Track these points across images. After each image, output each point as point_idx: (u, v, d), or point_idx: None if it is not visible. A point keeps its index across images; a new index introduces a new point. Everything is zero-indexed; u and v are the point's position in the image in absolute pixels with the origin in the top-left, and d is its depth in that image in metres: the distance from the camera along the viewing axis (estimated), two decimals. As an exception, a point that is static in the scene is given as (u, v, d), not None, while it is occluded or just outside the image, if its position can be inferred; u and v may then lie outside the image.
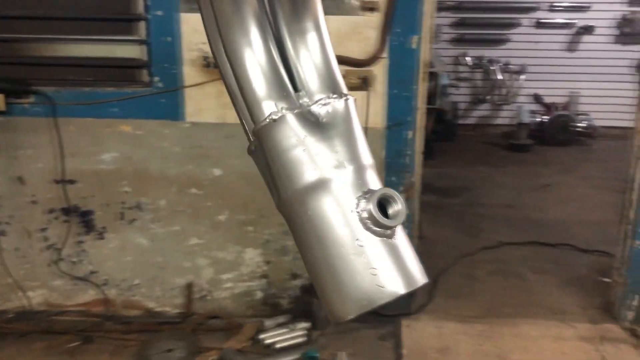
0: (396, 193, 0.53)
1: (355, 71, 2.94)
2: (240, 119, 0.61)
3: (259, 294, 3.40)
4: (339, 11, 2.89)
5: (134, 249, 3.32)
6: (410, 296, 3.40)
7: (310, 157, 0.53)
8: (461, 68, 7.31)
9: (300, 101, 0.56)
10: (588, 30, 6.94)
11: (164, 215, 3.29)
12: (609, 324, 3.34)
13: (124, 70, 3.16)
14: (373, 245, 0.52)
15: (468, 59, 7.22)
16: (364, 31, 2.93)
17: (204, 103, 3.08)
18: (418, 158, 3.12)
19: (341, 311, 0.52)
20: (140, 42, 3.05)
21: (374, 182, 0.56)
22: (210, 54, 2.91)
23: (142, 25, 3.02)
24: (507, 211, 5.20)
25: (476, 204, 5.34)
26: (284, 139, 0.53)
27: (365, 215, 0.52)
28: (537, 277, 3.95)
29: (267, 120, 0.54)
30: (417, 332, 3.27)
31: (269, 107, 0.55)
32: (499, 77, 7.18)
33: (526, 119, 7.04)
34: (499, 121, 7.62)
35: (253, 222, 3.29)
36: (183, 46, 3.00)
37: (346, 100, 0.56)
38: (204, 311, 3.39)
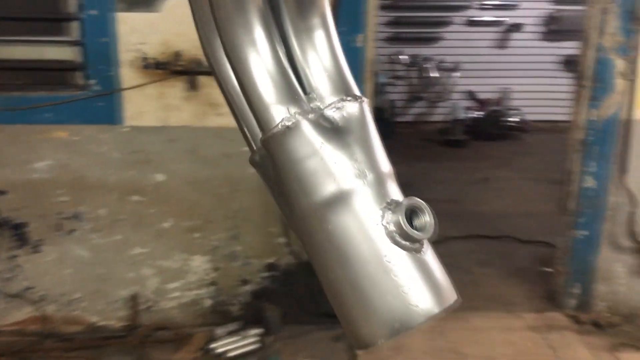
0: (423, 202, 0.49)
1: (302, 70, 2.89)
2: (241, 127, 0.54)
3: (208, 302, 3.29)
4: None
5: (73, 261, 3.15)
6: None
7: (328, 167, 0.47)
8: (397, 66, 7.40)
9: (312, 105, 0.50)
10: (517, 27, 7.18)
11: (105, 225, 3.13)
12: (553, 312, 3.45)
13: (56, 73, 2.98)
14: (402, 261, 0.47)
15: (404, 57, 7.32)
16: (309, 30, 2.88)
17: (144, 106, 2.95)
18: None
19: (370, 336, 0.47)
20: (74, 43, 2.88)
21: (395, 191, 0.51)
22: (149, 54, 2.80)
23: (75, 25, 2.86)
24: (448, 206, 5.28)
25: (418, 200, 5.39)
26: (298, 148, 0.48)
27: (392, 228, 0.47)
28: (483, 269, 4.03)
29: (279, 127, 0.48)
30: (370, 331, 3.25)
31: (279, 112, 0.49)
32: (434, 74, 7.31)
33: (461, 115, 7.20)
34: (435, 118, 7.76)
35: (199, 228, 3.18)
36: (120, 47, 2.86)
37: (361, 102, 0.51)
38: (151, 323, 3.25)
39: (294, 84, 0.50)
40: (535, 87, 7.40)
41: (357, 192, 0.48)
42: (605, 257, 3.29)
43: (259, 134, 0.52)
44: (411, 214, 0.47)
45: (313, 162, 0.47)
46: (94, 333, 3.20)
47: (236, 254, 3.23)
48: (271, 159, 0.49)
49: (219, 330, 3.17)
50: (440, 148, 7.27)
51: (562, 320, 3.38)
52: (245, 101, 0.53)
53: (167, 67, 2.89)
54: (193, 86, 2.92)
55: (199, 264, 3.23)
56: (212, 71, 0.56)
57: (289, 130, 0.47)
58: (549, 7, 7.22)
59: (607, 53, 2.96)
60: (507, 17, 7.33)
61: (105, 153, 3.02)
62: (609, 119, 3.06)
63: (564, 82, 7.34)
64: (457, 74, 7.37)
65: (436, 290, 0.48)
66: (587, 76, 3.05)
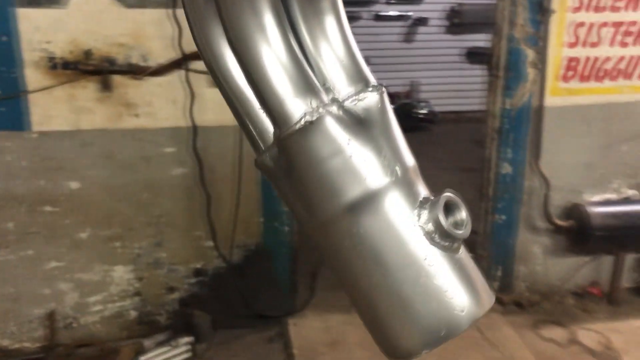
0: (458, 197, 0.45)
1: (223, 67, 2.80)
2: (248, 128, 0.48)
3: (133, 314, 3.13)
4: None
5: (-21, 281, 2.88)
6: (294, 293, 3.36)
7: (357, 165, 0.42)
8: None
9: (332, 97, 0.45)
10: (422, 22, 7.40)
11: (13, 240, 2.89)
12: (477, 296, 3.57)
13: (-51, 77, 2.70)
14: (443, 262, 0.43)
15: (314, 52, 7.34)
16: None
17: (53, 109, 2.74)
18: (292, 153, 3.06)
19: (413, 346, 0.43)
20: (-32, 42, 2.63)
21: (424, 187, 0.47)
22: (56, 54, 2.60)
23: (-32, 23, 2.61)
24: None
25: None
26: (323, 145, 0.42)
27: (431, 228, 0.43)
28: (407, 259, 4.09)
29: (302, 122, 0.42)
30: (304, 329, 3.22)
31: (298, 107, 0.43)
32: (345, 69, 7.38)
33: (373, 108, 7.32)
34: (348, 112, 7.84)
35: (120, 237, 3.01)
36: (23, 46, 2.64)
37: (381, 92, 0.47)
38: (71, 340, 3.04)
39: (310, 76, 0.45)
40: (442, 80, 7.67)
41: (389, 191, 0.43)
42: (523, 239, 3.45)
43: (270, 133, 0.46)
44: (447, 211, 0.43)
45: (339, 160, 0.42)
46: (7, 358, 2.95)
47: (161, 262, 3.08)
48: (287, 160, 0.43)
49: (147, 342, 3.02)
50: (354, 142, 7.36)
51: (487, 303, 3.51)
52: (252, 97, 0.47)
53: (77, 67, 2.70)
54: (106, 86, 2.75)
55: (121, 274, 3.06)
56: (207, 66, 0.49)
57: (312, 125, 0.42)
58: (452, 2, 7.49)
59: (518, 44, 3.08)
60: (413, 11, 7.53)
61: (11, 162, 2.78)
62: (522, 107, 3.19)
63: (468, 74, 7.67)
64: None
65: (477, 291, 0.45)
66: (500, 66, 3.17)
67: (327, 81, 0.46)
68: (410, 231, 0.43)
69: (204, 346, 3.08)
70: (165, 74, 2.78)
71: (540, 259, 3.50)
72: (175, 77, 2.79)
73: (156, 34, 2.72)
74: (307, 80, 0.44)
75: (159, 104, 2.83)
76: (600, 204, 3.32)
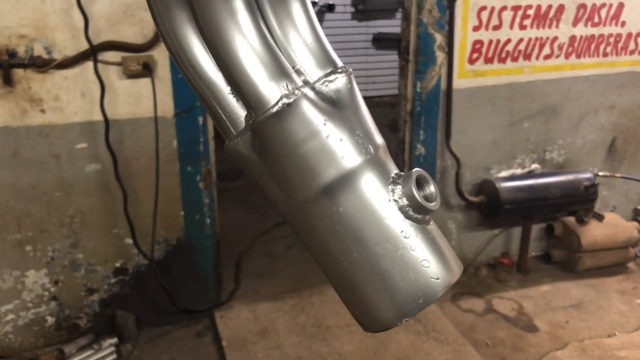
0: (426, 173, 0.47)
1: (135, 57, 2.70)
2: (217, 114, 0.47)
3: (51, 320, 2.98)
4: (109, -8, 2.61)
5: None
6: (219, 285, 3.33)
7: (334, 146, 0.43)
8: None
9: (304, 79, 0.46)
10: (330, 8, 7.45)
11: None
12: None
13: None
14: (417, 235, 0.45)
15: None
16: (137, 13, 2.69)
17: (-52, 107, 2.54)
18: (212, 144, 3.02)
19: (394, 315, 0.44)
20: None
21: (393, 164, 0.49)
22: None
23: None
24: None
25: (257, 184, 5.41)
26: (299, 128, 0.43)
27: (405, 202, 0.45)
28: (329, 243, 4.16)
29: (279, 105, 0.43)
30: (232, 320, 3.21)
31: (273, 91, 0.43)
32: (255, 57, 7.32)
33: (285, 96, 7.32)
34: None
35: (32, 240, 2.85)
36: None
37: (349, 74, 0.48)
38: (-17, 354, 2.86)
39: (282, 60, 0.45)
40: (351, 65, 7.74)
41: (364, 170, 0.45)
42: (439, 216, 3.58)
43: (242, 118, 0.46)
44: (418, 185, 0.46)
45: (316, 141, 0.43)
46: None
47: (78, 263, 2.95)
48: (262, 143, 0.44)
49: (68, 348, 2.89)
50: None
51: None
52: (221, 83, 0.46)
53: (-27, 61, 2.51)
54: (7, 81, 2.58)
55: (35, 279, 2.90)
56: (171, 53, 0.48)
57: (289, 108, 0.42)
58: (356, -12, 7.59)
59: (427, 28, 3.19)
60: (319, -2, 7.58)
61: None
62: (433, 89, 3.31)
63: (375, 60, 7.84)
64: (277, 55, 7.46)
65: (448, 261, 0.47)
66: (410, 50, 3.27)
67: (297, 65, 0.47)
68: (386, 207, 0.45)
69: (129, 346, 3.00)
70: (73, 66, 2.64)
71: (455, 234, 3.67)
72: (83, 70, 2.66)
73: (61, 25, 2.58)
74: (280, 64, 0.45)
75: (67, 98, 2.69)
76: (507, 179, 3.52)
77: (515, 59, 3.42)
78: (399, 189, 0.45)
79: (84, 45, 2.61)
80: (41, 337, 2.97)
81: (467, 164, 3.51)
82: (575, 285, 3.60)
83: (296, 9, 0.48)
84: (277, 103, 0.43)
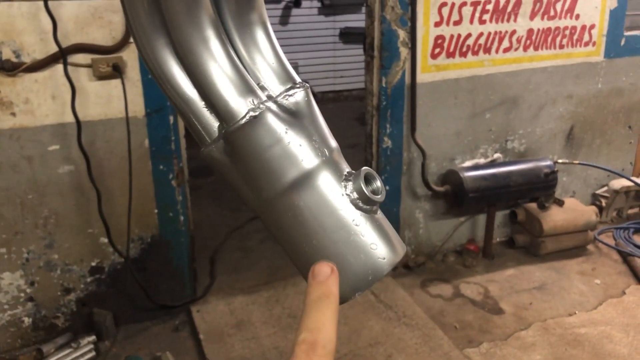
0: (373, 171, 0.56)
1: (104, 59, 2.74)
2: (193, 125, 0.56)
3: (27, 320, 3.01)
4: (76, -5, 2.65)
5: None
6: (194, 281, 3.39)
7: (294, 150, 0.52)
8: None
9: (267, 94, 0.55)
10: (296, 4, 7.50)
11: None
12: (370, 263, 3.80)
13: None
14: (366, 223, 0.54)
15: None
16: (105, 15, 2.73)
17: None
18: (183, 142, 3.07)
19: (348, 291, 0.53)
20: None
21: (345, 164, 0.58)
22: None
23: None
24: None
25: (229, 180, 5.47)
26: (265, 137, 0.51)
27: (355, 196, 0.54)
28: (302, 236, 4.25)
29: (247, 118, 0.51)
30: (209, 314, 3.28)
31: (241, 106, 0.52)
32: (223, 54, 7.34)
33: (254, 91, 7.36)
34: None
35: (6, 242, 2.88)
36: None
37: (306, 89, 0.57)
38: (-39, 357, 2.88)
39: (249, 79, 0.54)
40: (318, 60, 7.86)
41: (321, 169, 0.53)
42: (406, 206, 3.71)
43: (214, 129, 0.55)
44: (366, 181, 0.55)
45: (279, 147, 0.52)
46: None
47: (53, 263, 2.99)
48: (234, 150, 0.52)
49: (47, 347, 2.93)
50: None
51: (379, 269, 3.75)
52: (196, 98, 0.55)
53: (-59, 66, 2.52)
54: (-23, 85, 2.60)
55: (10, 281, 2.93)
56: (152, 72, 0.56)
57: (256, 120, 0.51)
58: (322, -17, 7.67)
59: (391, 25, 3.29)
60: (285, -6, 7.63)
61: None
62: (397, 84, 3.42)
63: (343, 54, 7.93)
64: (245, 51, 7.49)
65: (393, 243, 0.56)
66: (375, 46, 3.37)
67: (262, 82, 0.56)
68: (339, 200, 0.54)
69: (107, 343, 3.05)
70: (43, 69, 2.67)
71: (422, 223, 3.79)
72: (54, 72, 2.69)
73: (29, 28, 2.60)
74: (247, 83, 0.53)
75: (38, 101, 2.72)
76: (471, 168, 3.65)
77: (476, 53, 3.55)
78: (350, 185, 0.54)
79: (53, 48, 2.64)
80: (18, 337, 3.00)
81: (433, 155, 3.63)
82: (538, 269, 3.76)
83: (260, 35, 0.57)
84: (245, 116, 0.51)
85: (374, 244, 0.54)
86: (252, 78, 0.55)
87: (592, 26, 3.83)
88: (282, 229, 0.55)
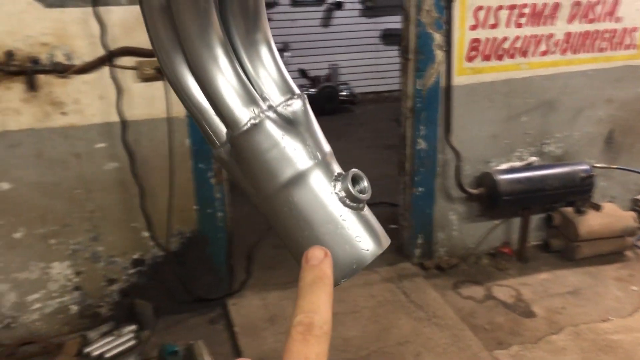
0: (361, 172, 0.64)
1: (149, 62, 2.89)
2: (205, 130, 0.65)
3: (74, 308, 3.19)
4: (124, 1, 2.79)
5: None
6: (231, 275, 3.51)
7: (289, 154, 0.60)
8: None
9: (268, 105, 0.63)
10: (338, 6, 7.59)
11: (-55, 245, 2.88)
12: (403, 263, 3.86)
13: None
14: (352, 218, 0.62)
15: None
16: (150, 21, 2.87)
17: (-22, 112, 2.75)
18: (222, 142, 3.19)
19: (335, 278, 0.61)
20: None
21: (337, 166, 0.65)
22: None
23: None
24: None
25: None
26: (263, 141, 0.59)
27: (343, 194, 0.61)
28: (337, 235, 4.33)
29: (248, 125, 0.60)
30: (244, 308, 3.39)
31: (244, 114, 0.60)
32: (266, 55, 7.48)
33: (296, 93, 7.47)
34: (271, 97, 7.96)
35: (56, 234, 3.05)
36: (-59, 50, 2.62)
37: (303, 99, 0.65)
38: (12, 340, 3.07)
39: (252, 91, 0.62)
40: (359, 62, 7.93)
41: (313, 170, 0.61)
42: (440, 208, 3.75)
43: (223, 134, 0.64)
44: (353, 182, 0.62)
45: (276, 150, 0.60)
46: (-53, 363, 2.95)
47: (98, 255, 3.16)
48: (238, 153, 0.61)
49: (91, 334, 3.10)
50: (279, 126, 7.51)
51: (411, 269, 3.80)
52: (208, 107, 0.64)
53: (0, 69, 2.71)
54: (31, 86, 2.77)
55: (59, 270, 3.11)
56: (171, 84, 0.65)
57: (256, 127, 0.59)
58: (365, -14, 7.75)
59: (426, 28, 3.34)
60: (328, -4, 7.73)
61: (-64, 167, 2.77)
62: (432, 87, 3.46)
63: (384, 55, 7.97)
64: (288, 53, 7.62)
65: (377, 236, 0.63)
66: (410, 49, 3.42)
67: (264, 94, 0.64)
68: (328, 197, 0.61)
69: (147, 333, 3.19)
70: (91, 71, 2.83)
71: (456, 225, 3.81)
72: (101, 74, 2.85)
73: (80, 33, 2.77)
74: (250, 94, 0.62)
75: (87, 101, 2.89)
76: (506, 171, 3.66)
77: (512, 56, 3.56)
78: (339, 184, 0.62)
79: (101, 52, 2.80)
80: (65, 324, 3.18)
81: (467, 157, 3.65)
82: (572, 273, 3.73)
83: (264, 52, 0.65)
84: (246, 123, 0.60)
85: (359, 237, 0.62)
86: (256, 90, 0.63)
87: (634, 29, 3.78)
88: (279, 222, 0.63)
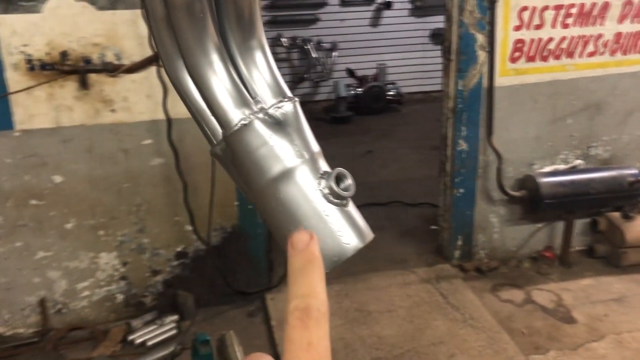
0: (346, 171, 0.68)
1: (193, 62, 2.99)
2: (203, 129, 0.70)
3: (120, 297, 3.34)
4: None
5: (-28, 274, 3.07)
6: (270, 270, 3.59)
7: (276, 152, 0.65)
8: (278, 49, 7.56)
9: (259, 107, 0.68)
10: (387, 5, 7.58)
11: (3, 233, 3.07)
12: (442, 264, 3.85)
13: None
14: (335, 214, 0.66)
15: (284, 40, 7.49)
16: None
17: (35, 108, 2.92)
18: (262, 140, 3.27)
19: None
20: (-51, 49, 2.78)
21: (325, 164, 0.69)
22: (34, 56, 2.77)
23: (-52, 30, 2.76)
24: (340, 179, 5.59)
25: (312, 177, 5.67)
26: (253, 140, 0.64)
27: (327, 191, 0.65)
28: (377, 233, 4.24)
29: (239, 125, 0.65)
30: (281, 302, 3.46)
31: (236, 115, 0.65)
32: (314, 55, 7.57)
33: (343, 92, 7.52)
34: (319, 97, 8.04)
35: (104, 226, 3.21)
36: (2, 50, 2.79)
37: (294, 102, 0.69)
38: (63, 325, 3.25)
39: (244, 93, 0.67)
40: (407, 61, 7.90)
41: (299, 168, 0.65)
42: (481, 210, 3.72)
43: (219, 132, 0.69)
44: (338, 180, 0.66)
45: (264, 149, 0.65)
46: (3, 344, 3.14)
47: (144, 247, 3.29)
48: (231, 151, 0.66)
49: (135, 322, 3.24)
50: (326, 126, 7.57)
51: (450, 270, 3.79)
52: (205, 108, 0.69)
53: (54, 68, 2.87)
54: (83, 85, 2.93)
55: (107, 260, 3.26)
56: (174, 86, 0.71)
57: (246, 127, 0.64)
58: (414, -15, 7.70)
59: (468, 29, 3.32)
60: (377, -4, 7.73)
61: (-4, 160, 2.95)
62: (474, 87, 3.44)
63: (432, 55, 7.90)
64: (336, 53, 7.67)
65: (360, 231, 0.67)
66: (452, 50, 3.41)
67: (258, 96, 0.69)
68: (313, 194, 0.66)
69: (188, 323, 3.30)
70: (139, 70, 2.96)
71: (497, 227, 3.77)
72: (148, 74, 2.97)
73: (129, 34, 2.90)
74: (243, 97, 0.67)
75: (135, 99, 3.02)
76: (549, 174, 3.59)
77: (557, 57, 3.49)
78: (323, 182, 0.66)
79: (149, 52, 2.92)
80: (112, 312, 3.33)
81: (510, 159, 3.61)
82: (618, 280, 3.63)
83: (259, 57, 0.70)
84: (237, 124, 0.65)
85: (341, 231, 0.66)
86: (250, 92, 0.68)
87: (690, 29, 3.64)
88: (268, 215, 0.68)
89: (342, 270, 3.78)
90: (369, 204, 4.87)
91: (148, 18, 0.70)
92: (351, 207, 0.70)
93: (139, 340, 3.12)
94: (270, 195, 0.67)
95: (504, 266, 3.81)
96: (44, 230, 3.12)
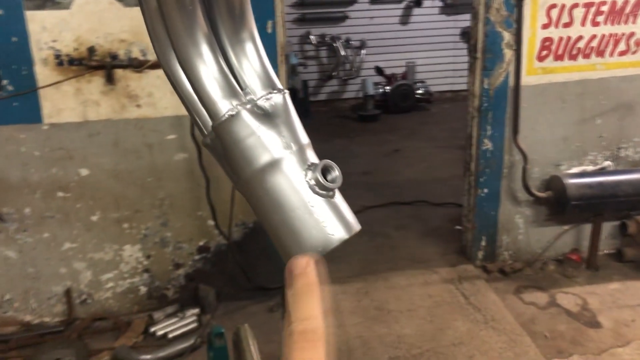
0: (333, 163, 0.68)
1: (217, 59, 3.02)
2: (194, 118, 0.71)
3: (143, 289, 3.39)
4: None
5: (1, 263, 3.15)
6: (291, 267, 3.59)
7: (263, 142, 0.65)
8: (307, 47, 7.58)
9: (248, 98, 0.68)
10: (417, 3, 7.53)
11: (31, 224, 3.15)
12: (464, 265, 3.80)
13: (-34, 76, 2.94)
14: (321, 205, 0.66)
15: (312, 37, 7.51)
16: (220, 19, 3.00)
17: (62, 103, 2.98)
18: (285, 137, 3.28)
19: None
20: (-18, 44, 2.86)
21: (313, 156, 0.69)
22: (63, 51, 2.83)
23: (-19, 26, 2.84)
24: (365, 178, 5.59)
25: (337, 175, 5.66)
26: (241, 130, 0.65)
27: (313, 182, 0.65)
28: (400, 233, 4.34)
29: (226, 116, 0.65)
30: (302, 299, 3.47)
31: (225, 105, 0.66)
32: (343, 53, 7.56)
33: (371, 90, 7.51)
34: (347, 95, 8.03)
35: (128, 219, 3.26)
36: (32, 45, 2.87)
37: (284, 93, 0.69)
38: (88, 315, 3.31)
39: (233, 84, 0.68)
40: (437, 60, 7.83)
41: (286, 159, 0.66)
42: (506, 210, 3.66)
43: (209, 123, 0.69)
44: (324, 171, 0.66)
45: (252, 139, 0.65)
46: (30, 331, 3.22)
47: (167, 240, 3.34)
48: (220, 141, 0.67)
49: (157, 314, 3.29)
50: (354, 124, 7.57)
51: (473, 271, 3.75)
52: (197, 99, 0.70)
53: (82, 63, 2.93)
54: (110, 80, 2.98)
55: (131, 253, 3.32)
56: (168, 78, 0.72)
57: (233, 117, 0.65)
58: (445, -17, 7.63)
59: (495, 26, 3.27)
60: (407, -7, 7.69)
61: (25, 152, 3.03)
62: (500, 86, 3.39)
63: (462, 53, 7.82)
64: (364, 51, 7.64)
65: (345, 222, 0.67)
66: (478, 48, 3.36)
67: (247, 87, 0.69)
68: (299, 185, 0.66)
69: (209, 317, 3.34)
70: (164, 66, 2.99)
71: (522, 228, 3.71)
72: (172, 70, 3.01)
73: (153, 30, 2.94)
74: (231, 88, 0.67)
75: (159, 95, 3.06)
76: (576, 175, 3.52)
77: (587, 56, 3.42)
78: (310, 173, 0.66)
79: (174, 48, 2.95)
80: (135, 304, 3.39)
81: (536, 159, 3.55)
82: (646, 285, 3.54)
83: (249, 48, 0.71)
84: (224, 114, 0.65)
85: (325, 222, 0.66)
86: (240, 83, 0.69)
87: None
88: (256, 204, 0.68)
89: (362, 268, 3.78)
90: (393, 202, 4.85)
91: (142, 7, 0.71)
92: (338, 199, 0.70)
93: (160, 332, 3.17)
94: (257, 185, 0.67)
95: (528, 268, 3.75)
96: (70, 222, 3.19)
